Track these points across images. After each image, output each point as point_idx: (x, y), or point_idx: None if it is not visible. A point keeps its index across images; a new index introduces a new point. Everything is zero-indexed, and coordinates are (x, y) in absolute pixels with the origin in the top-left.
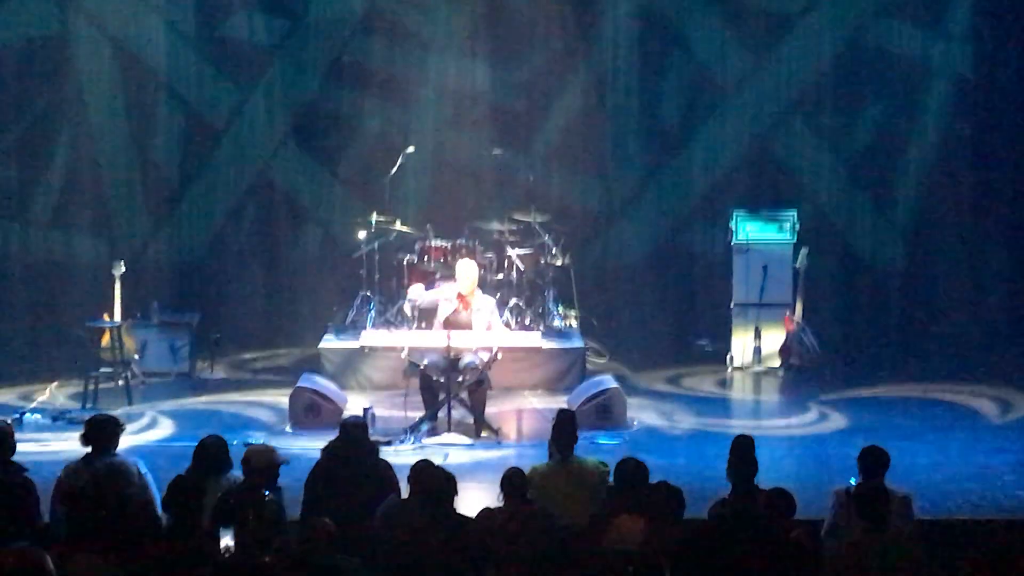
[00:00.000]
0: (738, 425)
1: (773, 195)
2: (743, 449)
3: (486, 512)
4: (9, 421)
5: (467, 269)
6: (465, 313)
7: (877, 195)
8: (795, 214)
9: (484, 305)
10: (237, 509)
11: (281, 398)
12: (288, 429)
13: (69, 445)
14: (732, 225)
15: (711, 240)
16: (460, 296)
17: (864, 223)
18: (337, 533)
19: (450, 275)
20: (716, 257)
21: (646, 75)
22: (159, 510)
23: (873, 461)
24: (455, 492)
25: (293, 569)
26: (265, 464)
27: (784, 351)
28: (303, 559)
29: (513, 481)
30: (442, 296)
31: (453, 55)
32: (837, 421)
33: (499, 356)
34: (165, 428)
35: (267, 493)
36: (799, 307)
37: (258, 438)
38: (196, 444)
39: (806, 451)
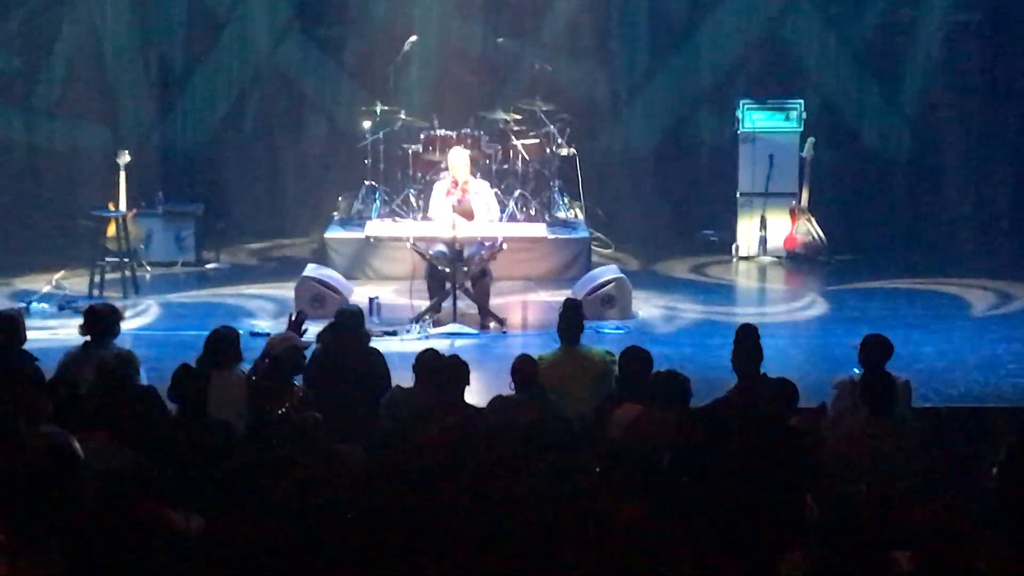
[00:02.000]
0: (743, 314)
1: (780, 84)
2: (748, 338)
3: (498, 400)
4: (18, 309)
5: (459, 156)
6: (465, 201)
7: (885, 85)
8: (802, 103)
9: (481, 188)
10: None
11: (287, 290)
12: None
13: (75, 333)
14: (738, 114)
15: (717, 130)
16: (456, 184)
17: (871, 113)
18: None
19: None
20: (722, 147)
21: None
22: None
23: (876, 350)
24: (466, 380)
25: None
26: (288, 351)
27: (789, 241)
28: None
29: (524, 369)
30: (440, 193)
31: None
32: (841, 311)
33: (504, 246)
34: (170, 318)
35: (296, 383)
36: (805, 197)
37: (264, 328)
38: (204, 335)
39: (811, 340)
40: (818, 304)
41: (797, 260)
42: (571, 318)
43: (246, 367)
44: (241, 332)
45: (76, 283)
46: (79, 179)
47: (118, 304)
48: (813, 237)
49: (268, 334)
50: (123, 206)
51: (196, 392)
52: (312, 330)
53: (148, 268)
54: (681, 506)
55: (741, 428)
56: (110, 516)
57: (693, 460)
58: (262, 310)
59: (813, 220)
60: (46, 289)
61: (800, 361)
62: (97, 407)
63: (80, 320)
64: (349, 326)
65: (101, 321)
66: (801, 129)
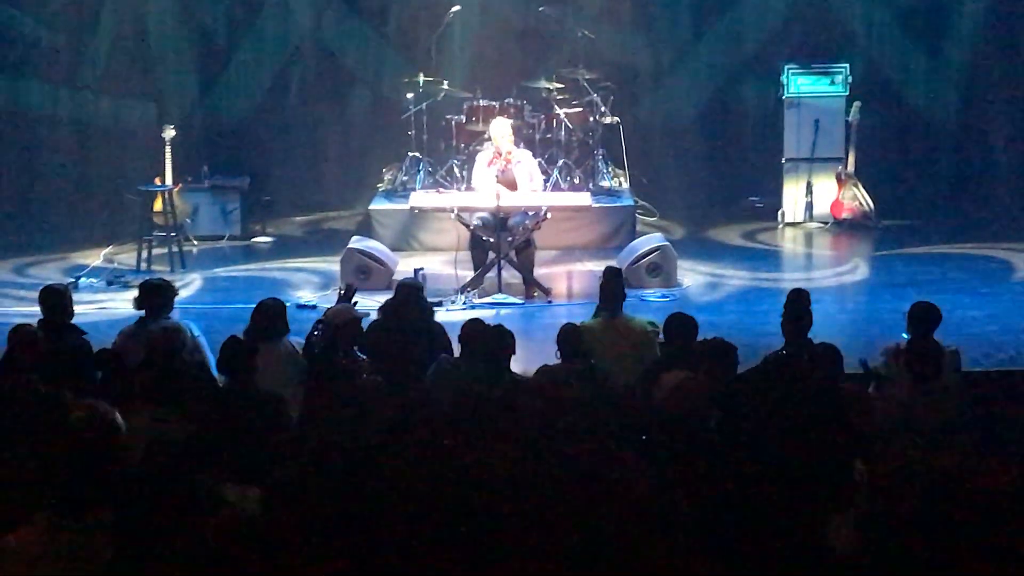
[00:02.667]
0: (790, 281)
1: (825, 49)
2: (798, 302)
3: (544, 369)
4: (66, 284)
5: (501, 127)
6: (508, 169)
7: (931, 48)
8: (847, 68)
9: (524, 158)
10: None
11: (332, 263)
12: (341, 290)
13: (124, 307)
14: (783, 79)
15: (762, 95)
16: (499, 154)
17: (917, 77)
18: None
19: None
20: (767, 112)
21: None
22: (214, 371)
23: (924, 317)
24: (512, 350)
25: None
26: (345, 321)
27: (836, 206)
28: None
29: (570, 338)
30: (483, 164)
31: None
32: (889, 276)
33: (548, 215)
34: (217, 292)
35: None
36: (851, 162)
37: (310, 300)
38: (250, 308)
39: (858, 306)
40: (865, 269)
41: (844, 226)
42: (612, 287)
43: (293, 339)
44: (288, 304)
45: (124, 258)
46: (125, 154)
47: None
48: (860, 202)
49: (314, 306)
50: (169, 181)
51: (245, 364)
52: (363, 302)
53: (195, 242)
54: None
55: (788, 392)
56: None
57: (739, 424)
58: (308, 282)
59: (860, 185)
60: (94, 264)
61: (847, 327)
62: (147, 380)
63: (130, 294)
64: (411, 299)
65: (155, 296)
66: (847, 93)
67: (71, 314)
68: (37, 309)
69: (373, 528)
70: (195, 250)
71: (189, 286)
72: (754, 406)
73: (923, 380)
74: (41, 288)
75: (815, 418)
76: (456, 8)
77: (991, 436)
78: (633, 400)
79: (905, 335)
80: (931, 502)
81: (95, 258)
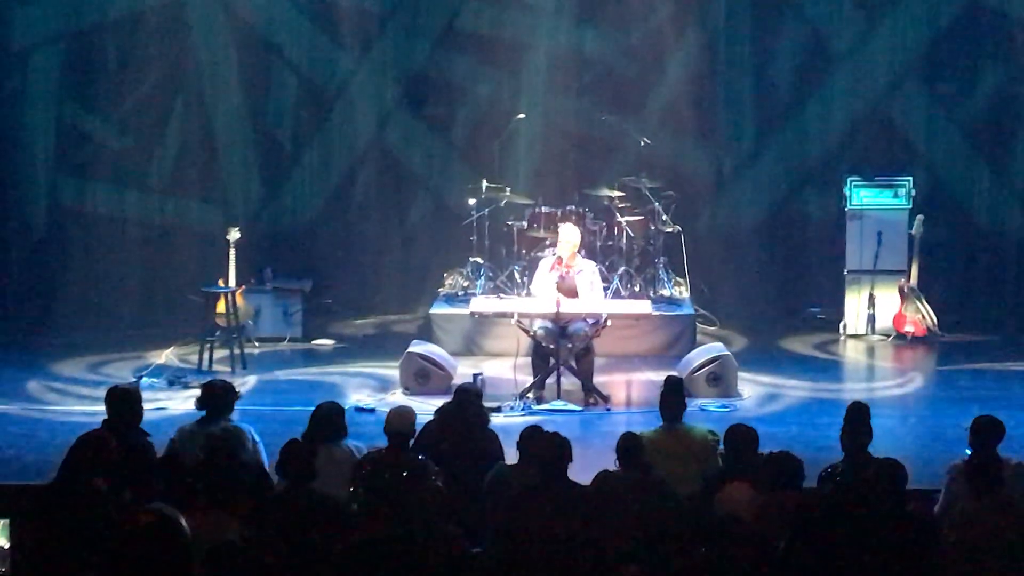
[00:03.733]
0: (851, 393)
1: (888, 161)
2: (858, 415)
3: (602, 476)
4: (131, 384)
5: (568, 233)
6: (569, 276)
7: (995, 162)
8: (911, 180)
9: (586, 267)
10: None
11: (392, 367)
12: (400, 394)
13: (185, 408)
14: (846, 191)
15: (824, 206)
16: (560, 260)
17: (982, 191)
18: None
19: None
20: (829, 223)
21: (758, 37)
22: (270, 475)
23: (986, 431)
24: (569, 457)
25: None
26: (407, 425)
27: (898, 319)
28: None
29: (629, 446)
30: (544, 270)
31: (564, 19)
32: (952, 391)
33: (608, 323)
34: (277, 393)
35: (420, 457)
36: (914, 275)
37: (369, 403)
38: (309, 410)
39: (920, 421)
40: (928, 384)
41: (906, 339)
42: (672, 396)
43: (351, 442)
44: (347, 408)
45: (186, 358)
46: (190, 256)
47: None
48: (923, 316)
49: (373, 409)
50: (232, 282)
51: (304, 466)
52: (417, 405)
53: (256, 344)
54: None
55: (858, 511)
56: None
57: (812, 543)
58: (367, 386)
59: (922, 299)
60: (156, 363)
61: (909, 441)
62: (205, 482)
63: (191, 394)
64: (469, 403)
65: (217, 397)
66: (910, 206)
67: (140, 417)
68: (100, 408)
69: None
70: (256, 351)
71: (249, 387)
72: (820, 525)
73: (986, 494)
74: (109, 389)
75: (885, 538)
76: (520, 116)
77: None
78: (693, 509)
79: (968, 450)
80: None
81: (157, 358)
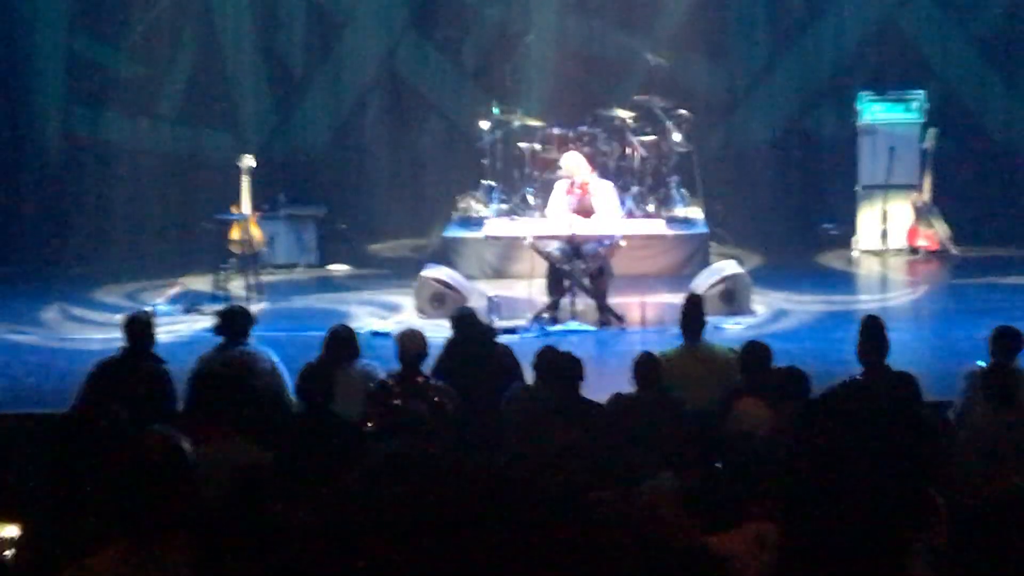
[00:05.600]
0: (865, 308)
1: (900, 75)
2: (873, 329)
3: (617, 398)
4: (146, 311)
5: (574, 160)
6: (586, 199)
7: (1008, 74)
8: (923, 94)
9: (603, 188)
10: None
11: (407, 291)
12: (416, 318)
13: (202, 334)
14: (858, 106)
15: (837, 123)
16: (574, 184)
17: (995, 104)
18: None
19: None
20: (842, 140)
21: None
22: (291, 397)
23: (1005, 341)
24: (581, 376)
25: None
26: (419, 346)
27: (912, 234)
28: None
29: (645, 367)
30: (560, 193)
31: None
32: (966, 303)
33: (622, 243)
34: (293, 319)
35: (435, 380)
36: (928, 189)
37: (384, 327)
38: (325, 333)
39: (935, 333)
40: (942, 297)
41: (919, 253)
42: (693, 314)
43: (365, 361)
44: (363, 332)
45: (201, 285)
46: (203, 183)
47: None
48: (936, 230)
49: (388, 333)
50: (246, 209)
51: (322, 389)
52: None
53: (272, 270)
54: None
55: (864, 417)
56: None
57: (814, 450)
58: (383, 310)
59: (936, 212)
60: (173, 291)
61: (924, 353)
62: (225, 406)
63: (207, 321)
64: (468, 325)
65: (234, 322)
66: (923, 120)
67: (153, 342)
68: (117, 336)
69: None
70: (272, 278)
71: (266, 313)
72: (829, 431)
73: (1002, 404)
74: (124, 317)
75: (892, 444)
76: (530, 37)
77: None
78: (707, 427)
79: (980, 363)
80: (1011, 532)
81: (173, 286)
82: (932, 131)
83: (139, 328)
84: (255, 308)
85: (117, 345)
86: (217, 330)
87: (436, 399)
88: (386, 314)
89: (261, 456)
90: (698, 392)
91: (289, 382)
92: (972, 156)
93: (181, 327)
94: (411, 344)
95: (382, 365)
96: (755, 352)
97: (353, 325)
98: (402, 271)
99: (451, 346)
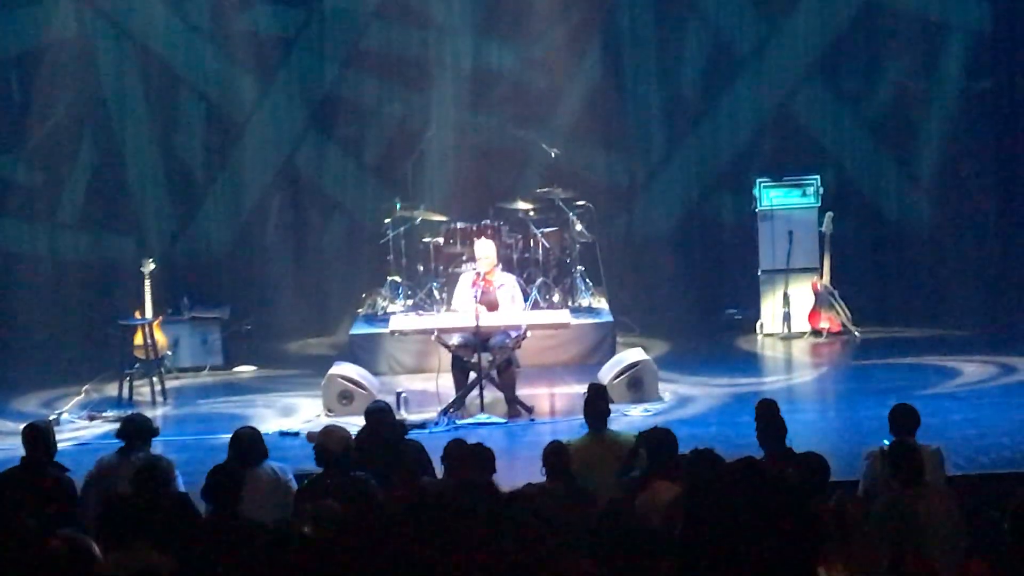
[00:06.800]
0: (770, 391)
1: (796, 161)
2: (767, 412)
3: (529, 488)
4: (48, 420)
5: (484, 248)
6: (490, 292)
7: (900, 156)
8: (819, 179)
9: (507, 280)
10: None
11: (315, 389)
12: (324, 416)
13: (106, 443)
14: (756, 192)
15: (736, 208)
16: (479, 276)
17: (889, 185)
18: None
19: (474, 256)
20: (742, 225)
21: (663, 45)
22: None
23: (904, 419)
24: (493, 468)
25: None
26: (343, 444)
27: (813, 316)
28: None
29: (555, 457)
30: (465, 285)
31: (468, 36)
32: (868, 383)
33: (528, 334)
34: (199, 423)
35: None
36: (827, 271)
37: (292, 428)
38: (231, 436)
39: (839, 414)
40: (845, 377)
41: (822, 335)
42: (596, 403)
43: (273, 463)
44: (271, 433)
45: (106, 392)
46: (105, 290)
47: (147, 412)
48: (837, 311)
49: (297, 433)
50: (149, 314)
51: (230, 491)
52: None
53: (176, 374)
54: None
55: (751, 496)
56: None
57: (702, 529)
58: (291, 410)
59: (836, 295)
60: (75, 399)
61: (829, 434)
62: (133, 514)
63: (111, 428)
64: (380, 423)
65: (137, 430)
66: (819, 204)
67: (54, 450)
68: (19, 445)
69: None
70: (177, 382)
71: (171, 419)
72: (717, 510)
73: (906, 482)
74: (24, 426)
75: (781, 524)
76: (430, 132)
77: (979, 539)
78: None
79: (886, 440)
80: None
81: (77, 393)
82: (829, 215)
83: (39, 437)
84: (159, 412)
85: (19, 454)
86: (119, 435)
87: (369, 493)
88: (294, 415)
89: (166, 562)
90: (604, 481)
91: (182, 486)
92: (869, 238)
93: (83, 433)
94: (334, 442)
95: (291, 465)
96: (659, 438)
97: (260, 427)
98: (309, 370)
99: (361, 441)
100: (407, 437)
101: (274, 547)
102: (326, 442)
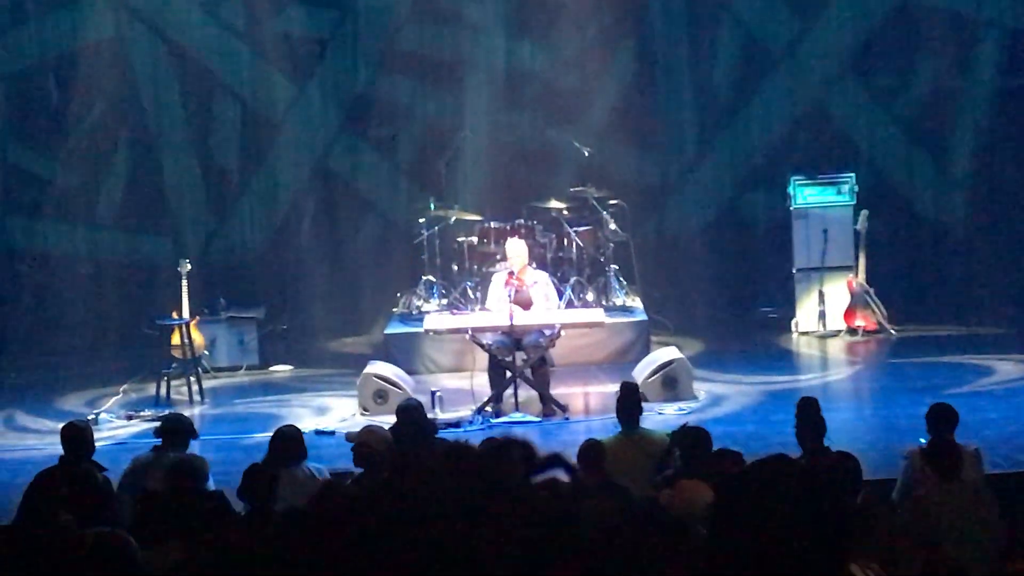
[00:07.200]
0: (806, 389)
1: (830, 159)
2: (808, 410)
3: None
4: (86, 420)
5: (515, 248)
6: (523, 291)
7: (935, 153)
8: (853, 177)
9: (539, 277)
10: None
11: (351, 388)
12: (360, 415)
13: (143, 442)
14: (790, 191)
15: (770, 207)
16: (511, 275)
17: (923, 182)
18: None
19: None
20: (776, 224)
21: (696, 43)
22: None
23: (941, 418)
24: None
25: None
26: (385, 444)
27: (849, 314)
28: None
29: (590, 454)
30: (498, 285)
31: (501, 36)
32: (905, 382)
33: (561, 333)
34: (236, 422)
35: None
36: (862, 270)
37: (328, 427)
38: (269, 437)
39: (874, 412)
40: (881, 376)
41: (857, 334)
42: (629, 402)
43: (312, 464)
44: (307, 431)
45: (143, 392)
46: (142, 290)
47: (185, 412)
48: (873, 310)
49: (333, 432)
50: (186, 314)
51: (265, 490)
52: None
53: (213, 374)
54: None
55: (786, 493)
56: None
57: (731, 526)
58: (327, 409)
59: (871, 293)
60: (114, 399)
61: (865, 432)
62: (168, 512)
63: (149, 428)
64: (412, 420)
65: (176, 431)
66: (854, 202)
67: (92, 450)
68: (59, 443)
69: None
70: (214, 382)
71: (209, 418)
72: (749, 504)
73: (946, 480)
74: (63, 425)
75: (814, 521)
76: (465, 133)
77: (1015, 539)
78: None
79: (922, 440)
80: None
81: (115, 393)
82: (863, 213)
83: (77, 436)
84: (197, 412)
85: (59, 454)
86: (157, 434)
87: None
88: (329, 413)
89: (203, 563)
90: (636, 480)
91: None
92: (904, 236)
93: (121, 432)
94: (376, 441)
95: (326, 463)
96: (692, 436)
97: (297, 426)
98: (345, 369)
99: (395, 436)
100: (438, 435)
101: (321, 498)
102: (369, 441)
